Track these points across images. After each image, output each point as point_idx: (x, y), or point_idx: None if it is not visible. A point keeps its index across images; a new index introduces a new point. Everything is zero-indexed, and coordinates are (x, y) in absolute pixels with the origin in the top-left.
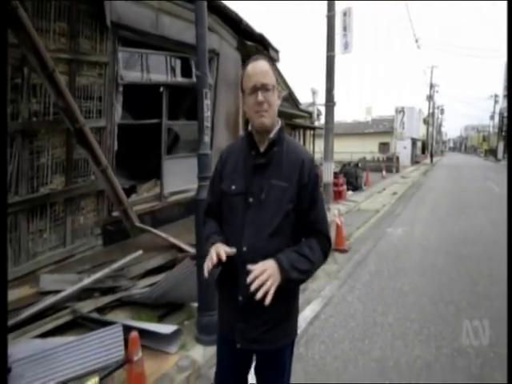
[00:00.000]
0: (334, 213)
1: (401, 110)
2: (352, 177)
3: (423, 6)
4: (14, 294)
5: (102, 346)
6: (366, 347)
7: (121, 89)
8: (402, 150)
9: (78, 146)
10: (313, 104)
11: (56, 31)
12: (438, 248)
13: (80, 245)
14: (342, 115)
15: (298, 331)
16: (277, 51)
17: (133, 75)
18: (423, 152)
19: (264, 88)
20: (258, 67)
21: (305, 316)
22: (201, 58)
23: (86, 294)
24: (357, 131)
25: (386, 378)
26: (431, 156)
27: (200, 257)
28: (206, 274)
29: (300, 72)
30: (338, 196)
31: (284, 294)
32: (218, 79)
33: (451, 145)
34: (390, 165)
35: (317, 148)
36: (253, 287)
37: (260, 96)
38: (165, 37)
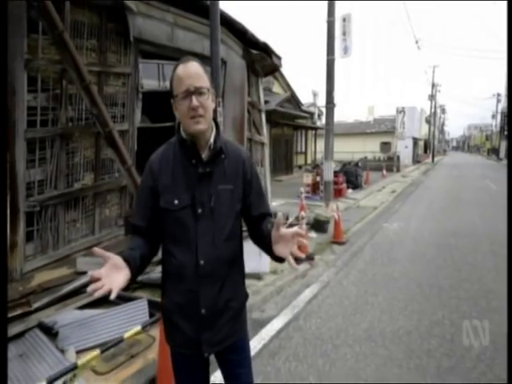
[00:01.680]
0: (332, 208)
1: (401, 110)
2: (352, 176)
3: (424, 6)
4: (54, 274)
5: (131, 315)
6: (357, 320)
7: (140, 96)
8: (403, 149)
9: (104, 147)
10: (314, 105)
11: (88, 47)
12: (429, 240)
13: (106, 234)
14: (343, 115)
15: (297, 310)
16: (279, 58)
17: (151, 83)
18: (425, 151)
19: (198, 92)
20: (190, 69)
21: (304, 297)
22: (215, 72)
23: None
24: (358, 131)
25: (372, 341)
26: (433, 155)
27: None
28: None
29: (301, 74)
30: (338, 194)
31: (237, 286)
32: (225, 85)
33: (454, 144)
34: (390, 164)
35: (318, 148)
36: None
37: (195, 101)
38: (179, 48)
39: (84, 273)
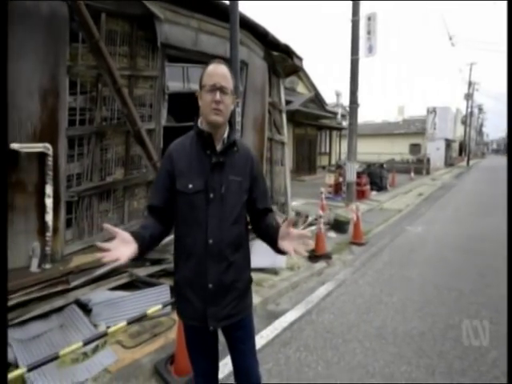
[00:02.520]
0: (352, 208)
1: (432, 111)
2: (376, 177)
3: (458, 1)
4: (89, 258)
5: (154, 297)
6: (369, 318)
7: (166, 97)
8: (435, 151)
9: (134, 144)
10: (339, 105)
11: (120, 54)
12: (453, 245)
13: (134, 224)
14: (370, 115)
15: (311, 305)
16: (300, 59)
17: (176, 85)
18: (460, 154)
19: (223, 90)
20: (220, 70)
21: (318, 294)
22: (234, 73)
23: (139, 262)
24: (386, 132)
25: (383, 338)
26: (468, 158)
27: None
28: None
29: (327, 73)
30: (361, 195)
31: (243, 269)
32: (246, 86)
33: (494, 147)
34: (419, 166)
35: (343, 149)
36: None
37: (218, 96)
38: (202, 52)
39: None
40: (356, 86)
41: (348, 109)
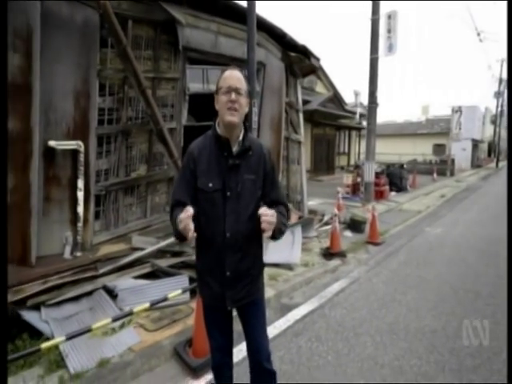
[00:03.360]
0: (368, 208)
1: (458, 110)
2: (396, 178)
3: None
4: (114, 248)
5: (174, 286)
6: (381, 315)
7: (187, 98)
8: (460, 152)
9: (156, 143)
10: (359, 105)
11: (145, 57)
12: (473, 247)
13: (156, 218)
14: (391, 115)
15: (324, 300)
16: (318, 59)
17: (196, 87)
18: (489, 155)
19: (237, 91)
20: (235, 74)
21: (331, 289)
22: (250, 75)
23: (160, 254)
24: (408, 132)
25: (394, 333)
26: (497, 159)
27: None
28: (190, 235)
29: (345, 73)
30: (380, 196)
31: (256, 258)
32: (264, 87)
33: None
34: (443, 168)
35: (362, 149)
36: (263, 220)
37: (233, 95)
38: (221, 54)
39: (138, 249)
40: (375, 85)
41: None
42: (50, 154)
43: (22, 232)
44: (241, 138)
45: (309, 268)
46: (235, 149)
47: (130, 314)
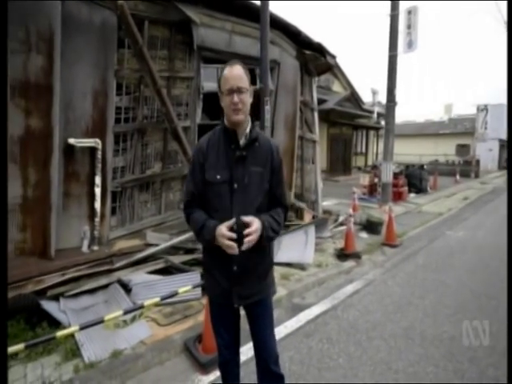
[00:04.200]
0: (385, 209)
1: (483, 108)
2: (415, 179)
3: None
4: (129, 243)
5: (185, 282)
6: (397, 318)
7: (201, 97)
8: (486, 152)
9: (171, 141)
10: (377, 103)
11: (160, 57)
12: (497, 252)
13: (170, 215)
14: (412, 115)
15: (337, 301)
16: (334, 57)
17: (210, 86)
18: None
19: (239, 91)
20: (235, 71)
21: (345, 291)
22: (263, 73)
23: (174, 250)
24: (429, 132)
25: (409, 338)
26: None
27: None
28: (244, 246)
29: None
30: (398, 197)
31: (264, 254)
32: (278, 85)
33: None
34: (467, 169)
35: (380, 149)
36: (246, 240)
37: (236, 97)
38: (236, 53)
39: (152, 245)
40: (394, 83)
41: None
42: (69, 151)
43: (42, 226)
44: (247, 130)
45: (322, 268)
46: (242, 141)
47: (141, 307)
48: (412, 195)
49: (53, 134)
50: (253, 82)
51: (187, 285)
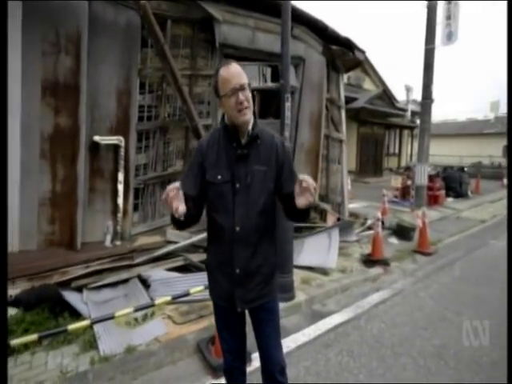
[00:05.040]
0: (418, 214)
1: None
2: (454, 182)
3: None
4: (150, 240)
5: (202, 281)
6: (427, 335)
7: None
8: None
9: (192, 139)
10: (412, 101)
11: (183, 55)
12: None
13: None
14: (452, 113)
15: (361, 310)
16: (363, 52)
17: None
18: None
19: (242, 88)
20: (233, 70)
21: (370, 300)
22: (284, 69)
23: (193, 248)
24: (471, 131)
25: (441, 359)
26: None
27: None
28: (178, 214)
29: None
30: (433, 201)
31: (268, 255)
32: (303, 82)
33: None
34: None
35: (415, 149)
36: (304, 184)
37: (241, 96)
38: (259, 50)
39: (172, 242)
40: (430, 79)
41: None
42: (94, 148)
43: (70, 219)
44: (250, 127)
45: (346, 274)
46: (244, 139)
47: (152, 305)
48: (450, 199)
49: (80, 131)
50: (276, 78)
51: (204, 283)
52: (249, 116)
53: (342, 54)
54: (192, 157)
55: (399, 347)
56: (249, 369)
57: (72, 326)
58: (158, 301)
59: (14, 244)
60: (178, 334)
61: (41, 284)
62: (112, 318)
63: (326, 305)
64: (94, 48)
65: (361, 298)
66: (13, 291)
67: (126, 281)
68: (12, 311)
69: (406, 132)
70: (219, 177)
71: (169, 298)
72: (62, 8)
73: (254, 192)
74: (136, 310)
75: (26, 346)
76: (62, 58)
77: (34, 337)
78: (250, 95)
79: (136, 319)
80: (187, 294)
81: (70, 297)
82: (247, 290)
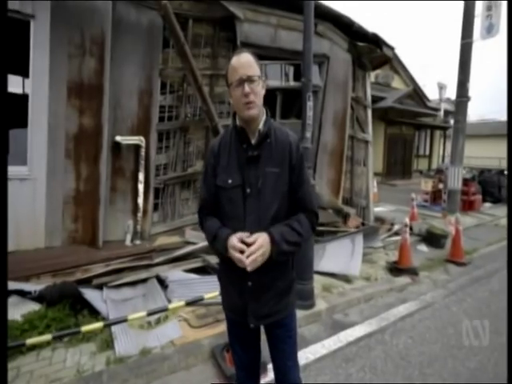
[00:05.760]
0: (450, 220)
1: None
2: (492, 186)
3: None
4: (169, 240)
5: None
6: (461, 355)
7: None
8: None
9: (212, 139)
10: (445, 100)
11: (204, 55)
12: None
13: None
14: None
15: (386, 323)
16: (392, 48)
17: None
18: None
19: (250, 80)
20: (243, 60)
21: (396, 312)
22: (306, 68)
23: (212, 250)
24: None
25: (478, 380)
26: None
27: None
28: (249, 268)
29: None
30: (468, 206)
31: (284, 268)
32: (327, 81)
33: None
34: None
35: (448, 151)
36: (247, 261)
37: (247, 87)
38: (281, 48)
39: (190, 243)
40: (467, 75)
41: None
42: (116, 148)
43: (92, 217)
44: (261, 126)
45: (370, 283)
46: (254, 139)
47: (166, 309)
48: (487, 205)
49: (102, 131)
50: (299, 78)
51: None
52: (254, 111)
53: (368, 50)
54: (205, 159)
55: (428, 367)
56: (264, 380)
57: (85, 328)
58: (171, 305)
59: (40, 240)
60: (193, 338)
61: (62, 281)
62: (125, 320)
63: (347, 315)
64: (117, 49)
65: (386, 309)
66: (37, 287)
67: (144, 280)
68: (36, 306)
69: (437, 132)
70: (230, 181)
71: (182, 303)
72: (87, 9)
73: (266, 197)
74: (149, 314)
75: (48, 342)
76: (86, 59)
77: (48, 337)
78: (259, 89)
79: (150, 323)
80: (201, 299)
81: (91, 294)
82: (261, 304)
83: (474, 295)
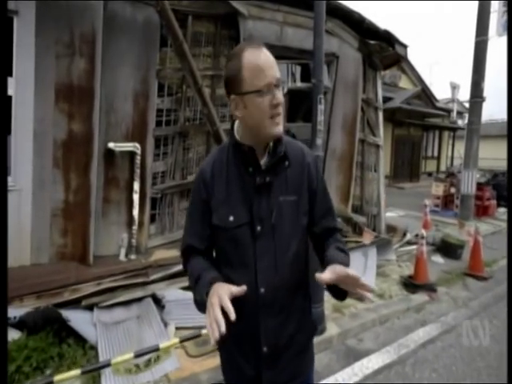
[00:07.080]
0: (469, 230)
1: None
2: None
3: None
4: (167, 253)
5: None
6: None
7: None
8: None
9: (214, 145)
10: (455, 101)
11: (205, 54)
12: None
13: None
14: (500, 112)
15: (405, 351)
16: (405, 46)
17: None
18: None
19: (278, 85)
20: (267, 58)
21: (416, 337)
22: (317, 67)
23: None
24: None
25: None
26: None
27: None
28: (212, 341)
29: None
30: (482, 212)
31: (302, 314)
32: (336, 81)
33: None
34: None
35: (456, 153)
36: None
37: (280, 96)
38: (287, 47)
39: None
40: (481, 75)
41: (467, 105)
42: (109, 155)
43: (82, 231)
44: (271, 143)
45: (385, 301)
46: (264, 160)
47: (156, 349)
48: (501, 210)
49: (93, 138)
50: (307, 78)
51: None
52: (282, 127)
53: (380, 49)
54: (192, 192)
55: None
56: None
57: (58, 377)
58: (162, 344)
59: (25, 257)
60: (190, 372)
61: (45, 305)
62: (108, 365)
63: (362, 340)
64: (110, 48)
65: (404, 333)
66: (18, 311)
67: (140, 299)
68: (16, 334)
69: (446, 133)
70: (231, 218)
71: (176, 341)
72: (77, 4)
73: (283, 234)
74: (137, 356)
75: (27, 376)
76: (76, 60)
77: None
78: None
79: (138, 366)
80: (198, 336)
81: (79, 317)
82: (278, 370)
83: (500, 316)
